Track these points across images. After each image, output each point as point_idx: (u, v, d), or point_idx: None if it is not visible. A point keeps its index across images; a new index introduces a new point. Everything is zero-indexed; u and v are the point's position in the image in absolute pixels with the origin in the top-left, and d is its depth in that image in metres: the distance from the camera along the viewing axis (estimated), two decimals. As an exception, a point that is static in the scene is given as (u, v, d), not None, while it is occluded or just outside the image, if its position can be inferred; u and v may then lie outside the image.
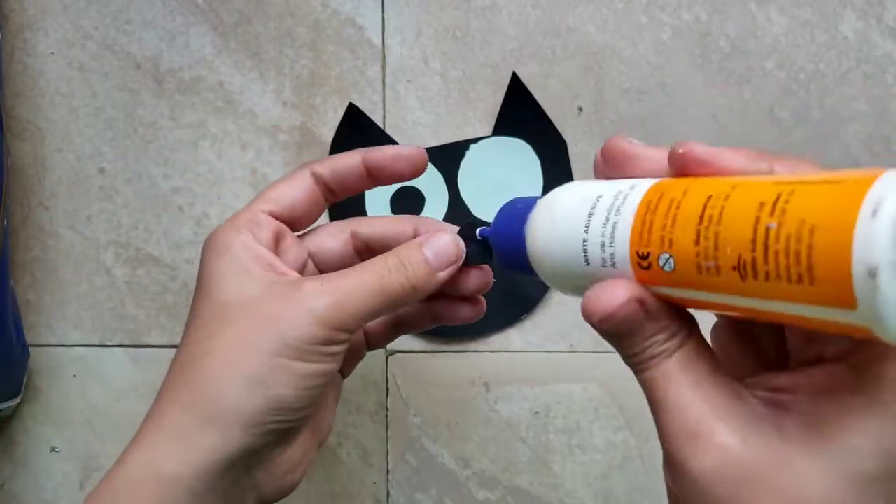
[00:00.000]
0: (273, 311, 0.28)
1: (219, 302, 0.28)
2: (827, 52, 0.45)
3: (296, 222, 0.32)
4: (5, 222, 0.41)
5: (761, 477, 0.20)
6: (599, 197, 0.24)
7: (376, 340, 0.35)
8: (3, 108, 0.43)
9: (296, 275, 0.30)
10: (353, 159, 0.32)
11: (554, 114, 0.45)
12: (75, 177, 0.45)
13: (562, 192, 0.26)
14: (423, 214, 0.44)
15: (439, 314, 0.34)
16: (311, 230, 0.34)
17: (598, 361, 0.44)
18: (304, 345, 0.27)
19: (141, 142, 0.45)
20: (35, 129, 0.45)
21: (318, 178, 0.32)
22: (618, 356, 0.24)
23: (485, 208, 0.45)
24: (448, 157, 0.45)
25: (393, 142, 0.45)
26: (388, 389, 0.45)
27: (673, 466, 0.22)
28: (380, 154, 0.32)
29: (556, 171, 0.45)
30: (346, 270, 0.29)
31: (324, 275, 0.30)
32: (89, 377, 0.44)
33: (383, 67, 0.45)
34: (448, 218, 0.44)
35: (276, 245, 0.31)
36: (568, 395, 0.44)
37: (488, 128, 0.45)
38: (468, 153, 0.45)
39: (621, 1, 0.45)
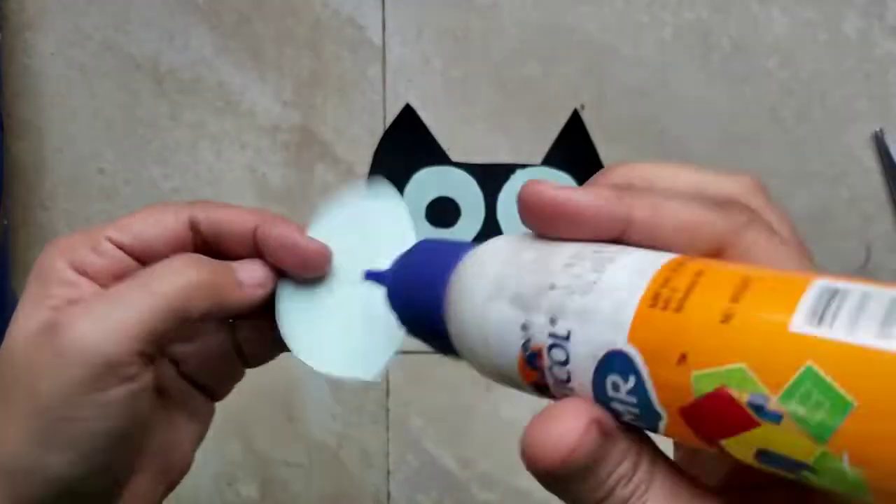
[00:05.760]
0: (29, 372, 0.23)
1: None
2: (828, 51, 0.45)
3: (147, 263, 0.26)
4: (5, 222, 0.40)
5: None
6: (553, 286, 0.18)
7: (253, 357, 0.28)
8: (3, 108, 0.43)
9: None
10: (245, 224, 0.26)
11: (555, 114, 0.45)
12: (75, 177, 0.45)
13: (500, 263, 0.20)
14: (455, 228, 0.45)
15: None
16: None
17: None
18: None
19: (140, 142, 0.45)
20: (35, 129, 0.45)
21: (194, 226, 0.26)
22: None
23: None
24: (492, 177, 0.45)
25: (441, 150, 0.44)
26: (388, 390, 0.44)
27: None
28: (277, 236, 0.26)
29: None
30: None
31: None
32: (89, 378, 0.44)
33: (383, 67, 0.45)
34: (479, 237, 0.44)
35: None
36: (569, 395, 0.44)
37: (488, 127, 0.45)
38: (513, 177, 0.45)
39: (622, 0, 0.45)
